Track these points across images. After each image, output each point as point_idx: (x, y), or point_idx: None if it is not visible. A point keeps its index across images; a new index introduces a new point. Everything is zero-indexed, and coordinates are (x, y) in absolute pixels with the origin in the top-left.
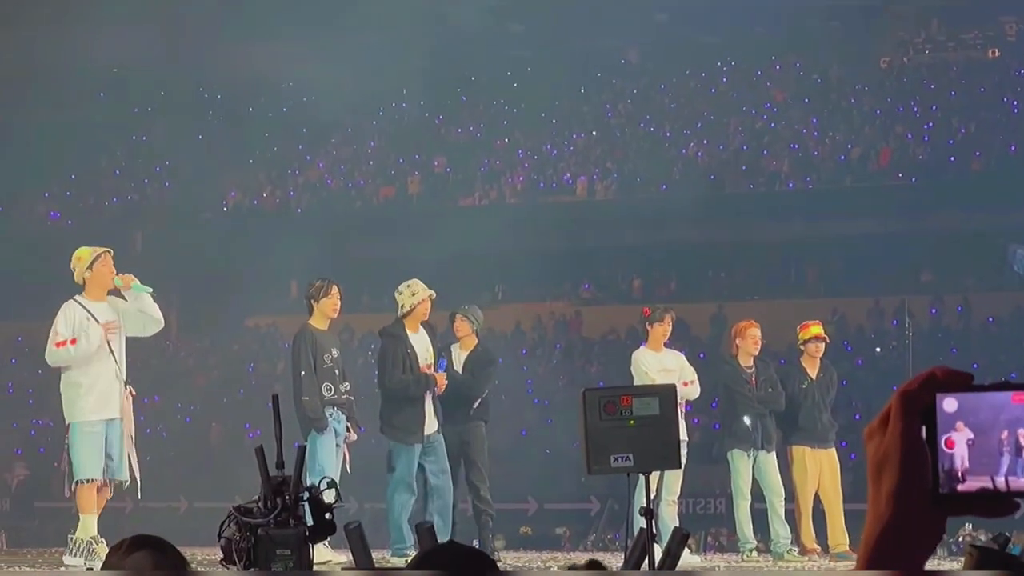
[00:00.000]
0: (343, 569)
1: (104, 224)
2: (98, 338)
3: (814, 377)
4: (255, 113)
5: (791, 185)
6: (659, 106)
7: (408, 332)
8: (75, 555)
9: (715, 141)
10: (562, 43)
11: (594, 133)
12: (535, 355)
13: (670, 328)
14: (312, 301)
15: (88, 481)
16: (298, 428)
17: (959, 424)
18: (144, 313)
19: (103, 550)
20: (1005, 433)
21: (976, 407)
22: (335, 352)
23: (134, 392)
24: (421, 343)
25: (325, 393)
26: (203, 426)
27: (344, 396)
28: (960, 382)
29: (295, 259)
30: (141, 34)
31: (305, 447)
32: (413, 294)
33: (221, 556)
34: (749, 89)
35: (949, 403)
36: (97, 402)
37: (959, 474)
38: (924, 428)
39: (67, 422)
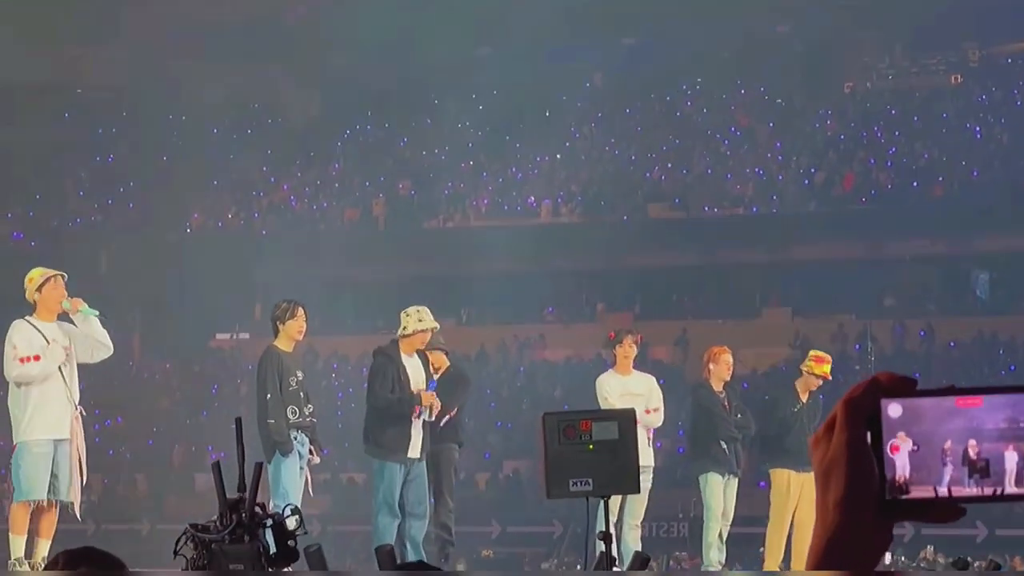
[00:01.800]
0: None
1: (67, 245)
2: (61, 357)
3: (805, 401)
4: (220, 135)
5: (755, 209)
6: (624, 130)
7: (403, 354)
8: None
9: (680, 165)
10: (528, 67)
11: (558, 156)
12: (499, 378)
13: (634, 350)
14: (278, 323)
15: (28, 502)
16: (260, 450)
17: (900, 434)
18: (93, 338)
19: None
20: (949, 443)
21: (921, 413)
22: (300, 375)
23: (83, 413)
24: (414, 367)
25: (290, 416)
26: (165, 448)
27: (308, 419)
28: (904, 387)
29: (259, 281)
30: (106, 55)
31: (262, 464)
32: (420, 320)
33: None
34: (714, 113)
35: (894, 409)
36: (46, 423)
37: (903, 484)
38: (869, 434)
39: (14, 442)
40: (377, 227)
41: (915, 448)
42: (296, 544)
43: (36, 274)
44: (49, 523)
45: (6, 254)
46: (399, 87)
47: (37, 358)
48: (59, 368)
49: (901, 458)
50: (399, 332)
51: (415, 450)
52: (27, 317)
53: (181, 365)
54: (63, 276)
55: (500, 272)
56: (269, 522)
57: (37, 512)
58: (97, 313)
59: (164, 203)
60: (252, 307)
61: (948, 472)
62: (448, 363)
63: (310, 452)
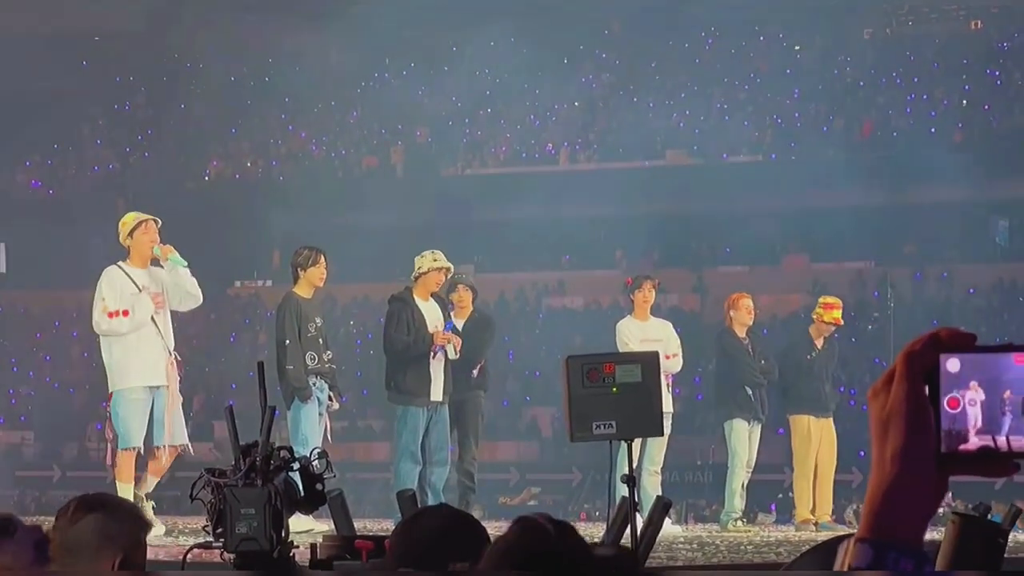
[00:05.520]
0: (324, 538)
1: (85, 193)
2: (149, 310)
3: (820, 348)
4: (237, 82)
5: (773, 156)
6: (642, 76)
7: (417, 299)
8: None
9: (697, 112)
10: (546, 13)
11: (576, 104)
12: (517, 325)
13: (652, 295)
14: (300, 269)
15: (131, 449)
16: (280, 397)
17: (972, 383)
18: (182, 288)
19: (147, 510)
20: (1008, 393)
21: (979, 368)
22: (319, 321)
23: (179, 359)
24: (430, 310)
25: (309, 362)
26: (185, 396)
27: (327, 365)
28: (964, 343)
29: (277, 228)
30: (123, 3)
31: (274, 408)
32: (435, 260)
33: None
34: (732, 60)
35: (952, 364)
36: (140, 370)
37: (966, 433)
38: (927, 388)
39: (110, 390)
40: (395, 174)
41: (975, 401)
42: (324, 487)
43: (129, 218)
44: (156, 467)
45: (24, 203)
46: (417, 34)
47: (126, 313)
48: (151, 316)
49: (968, 408)
50: (414, 274)
51: (437, 393)
52: (120, 263)
53: (199, 313)
54: (156, 221)
55: (518, 219)
56: (296, 466)
57: (146, 456)
58: (186, 264)
59: (182, 151)
60: (270, 255)
61: (1008, 421)
62: (472, 308)
63: (329, 398)
